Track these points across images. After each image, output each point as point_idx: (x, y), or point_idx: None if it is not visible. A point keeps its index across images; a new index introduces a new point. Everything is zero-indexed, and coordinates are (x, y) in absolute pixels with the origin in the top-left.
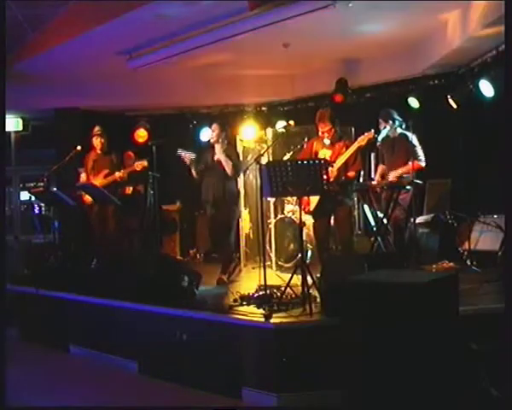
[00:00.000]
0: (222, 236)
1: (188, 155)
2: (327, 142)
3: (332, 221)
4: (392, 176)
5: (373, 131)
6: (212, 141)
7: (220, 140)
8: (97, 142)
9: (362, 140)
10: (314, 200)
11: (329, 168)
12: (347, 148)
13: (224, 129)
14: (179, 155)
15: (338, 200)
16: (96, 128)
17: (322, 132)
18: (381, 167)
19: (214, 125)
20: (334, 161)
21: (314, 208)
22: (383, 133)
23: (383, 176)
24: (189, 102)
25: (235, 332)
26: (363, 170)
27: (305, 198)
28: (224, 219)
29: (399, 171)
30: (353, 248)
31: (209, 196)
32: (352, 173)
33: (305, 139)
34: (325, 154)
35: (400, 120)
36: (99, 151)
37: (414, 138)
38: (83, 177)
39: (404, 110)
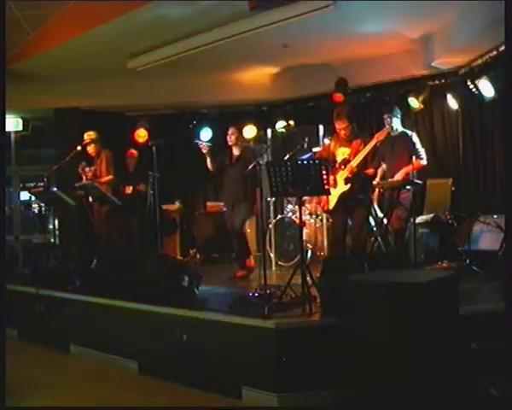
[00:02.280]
0: (236, 234)
1: (205, 145)
2: (325, 141)
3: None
4: (397, 176)
5: (388, 126)
6: (229, 143)
7: (237, 142)
8: (89, 149)
9: (380, 135)
10: (333, 198)
11: (348, 165)
12: (365, 144)
13: (241, 132)
14: (197, 144)
15: (358, 199)
16: (85, 136)
17: (339, 129)
18: (381, 168)
19: (232, 129)
20: (352, 159)
21: (333, 207)
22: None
23: (383, 177)
24: (189, 102)
25: (235, 332)
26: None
27: (324, 197)
28: (239, 217)
29: (403, 171)
30: (366, 249)
31: (229, 197)
32: (370, 171)
33: (306, 139)
34: (344, 152)
35: (402, 117)
36: (93, 155)
37: (414, 136)
38: (84, 179)
39: (404, 110)
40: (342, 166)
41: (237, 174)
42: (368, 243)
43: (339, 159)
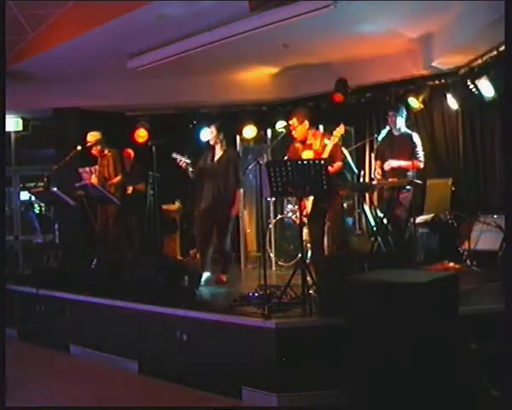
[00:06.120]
0: (219, 235)
1: (183, 161)
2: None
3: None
4: (392, 164)
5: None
6: (211, 142)
7: (219, 141)
8: (94, 151)
9: (337, 132)
10: (309, 205)
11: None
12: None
13: (223, 130)
14: (174, 159)
15: (321, 208)
16: (88, 137)
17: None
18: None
19: (212, 127)
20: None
21: (310, 211)
22: (383, 133)
23: (383, 169)
24: (189, 102)
25: (235, 332)
26: (363, 170)
27: (303, 203)
28: (220, 219)
29: (400, 162)
30: (348, 244)
31: (209, 196)
32: (334, 169)
33: None
34: (307, 155)
35: (407, 117)
36: (97, 156)
37: (416, 137)
38: (93, 178)
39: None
40: None
41: (219, 174)
42: (351, 240)
43: None
